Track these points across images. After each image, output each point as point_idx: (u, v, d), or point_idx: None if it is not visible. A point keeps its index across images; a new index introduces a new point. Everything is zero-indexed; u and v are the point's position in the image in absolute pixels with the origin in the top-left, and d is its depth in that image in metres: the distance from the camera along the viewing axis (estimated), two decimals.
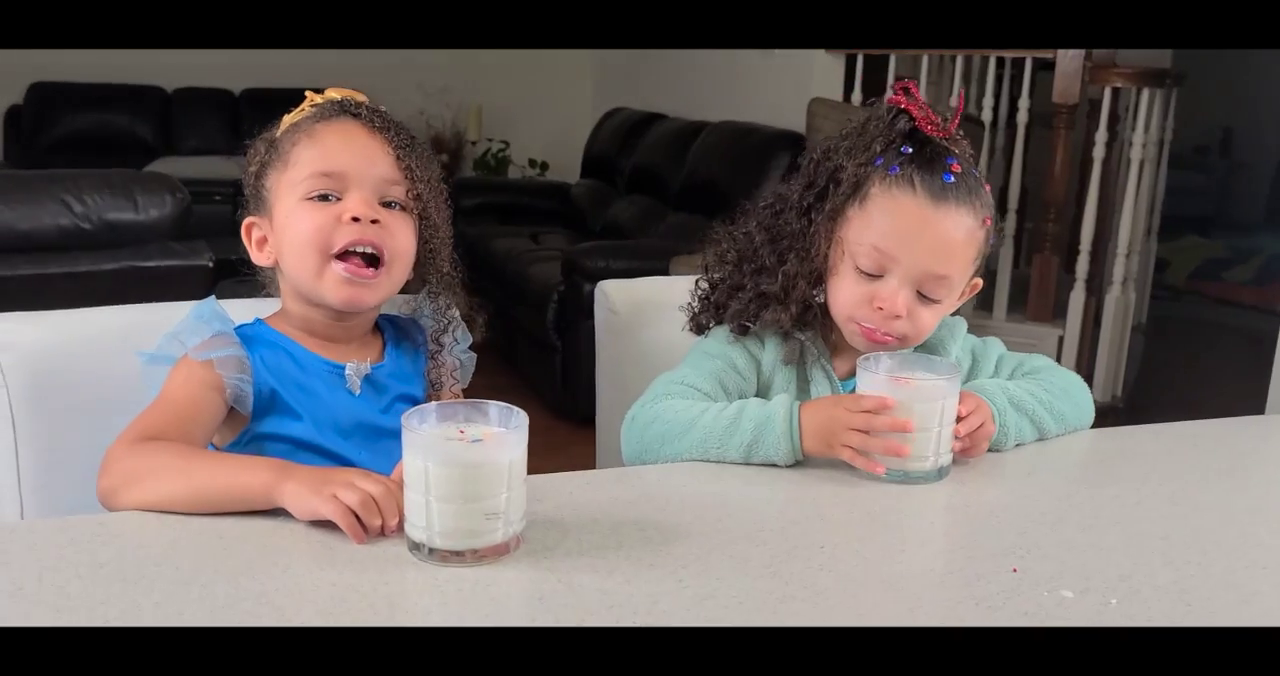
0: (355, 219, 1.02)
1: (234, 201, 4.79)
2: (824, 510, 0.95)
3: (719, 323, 1.18)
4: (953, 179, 1.06)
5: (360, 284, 1.03)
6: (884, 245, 1.06)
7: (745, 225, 1.18)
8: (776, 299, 1.11)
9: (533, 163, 5.63)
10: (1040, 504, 0.99)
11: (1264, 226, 6.08)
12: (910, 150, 1.07)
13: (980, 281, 1.16)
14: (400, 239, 1.05)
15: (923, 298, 1.08)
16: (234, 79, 5.28)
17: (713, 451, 1.05)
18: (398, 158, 1.06)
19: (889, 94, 1.11)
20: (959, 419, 1.03)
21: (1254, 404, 3.40)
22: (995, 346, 1.25)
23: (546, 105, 5.78)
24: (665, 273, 2.84)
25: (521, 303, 3.53)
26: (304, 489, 0.85)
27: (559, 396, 3.32)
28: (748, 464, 1.04)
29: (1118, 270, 3.41)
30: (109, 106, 5.12)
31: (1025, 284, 3.57)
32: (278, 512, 0.89)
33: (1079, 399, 1.18)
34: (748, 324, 1.14)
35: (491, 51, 5.57)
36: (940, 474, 1.02)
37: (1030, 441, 1.14)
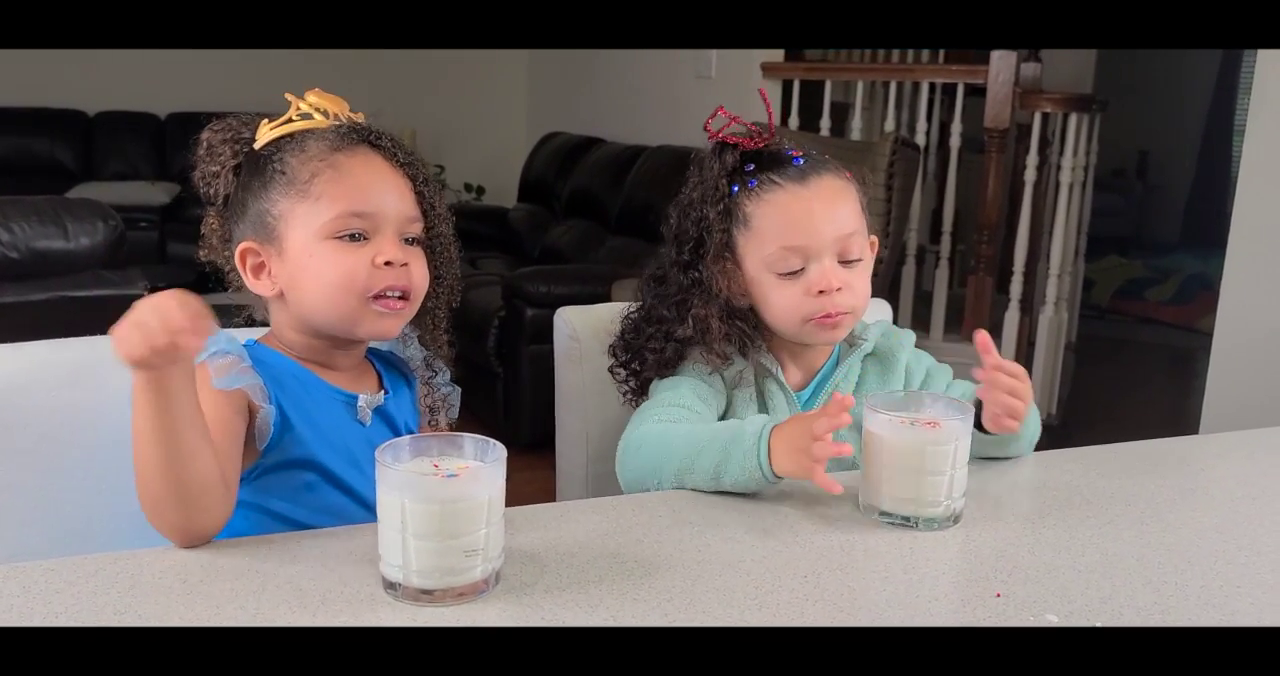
0: (388, 262, 1.00)
1: (161, 228, 4.69)
2: (803, 538, 0.94)
3: (650, 376, 1.19)
4: (801, 160, 1.15)
5: (392, 315, 1.02)
6: (790, 241, 1.13)
7: (639, 302, 1.22)
8: (695, 341, 1.15)
9: (469, 187, 5.59)
10: (1014, 527, 0.99)
11: (1180, 247, 6.30)
12: (753, 166, 1.15)
13: (877, 239, 1.21)
14: (418, 276, 1.04)
15: (846, 264, 1.14)
16: (159, 102, 5.14)
17: (686, 476, 1.04)
18: (419, 194, 1.04)
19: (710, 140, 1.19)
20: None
21: (1182, 418, 3.50)
22: (947, 372, 1.28)
23: (481, 129, 5.75)
24: (608, 297, 2.83)
25: (461, 329, 3.45)
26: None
27: (501, 424, 3.27)
28: (719, 490, 1.03)
29: (1050, 290, 3.48)
30: (27, 130, 4.95)
31: (960, 305, 3.63)
32: (243, 555, 0.86)
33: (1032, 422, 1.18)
34: (670, 371, 1.17)
35: (425, 74, 5.53)
36: (954, 520, 0.98)
37: (1019, 453, 1.17)
